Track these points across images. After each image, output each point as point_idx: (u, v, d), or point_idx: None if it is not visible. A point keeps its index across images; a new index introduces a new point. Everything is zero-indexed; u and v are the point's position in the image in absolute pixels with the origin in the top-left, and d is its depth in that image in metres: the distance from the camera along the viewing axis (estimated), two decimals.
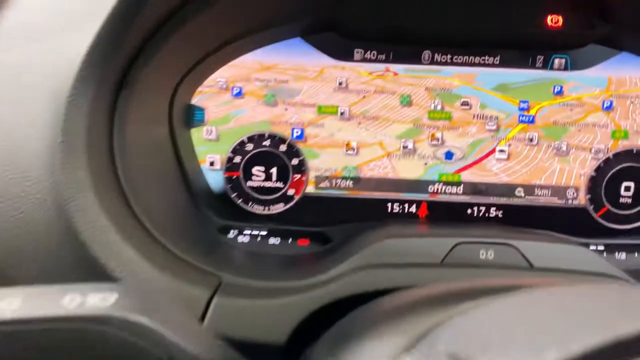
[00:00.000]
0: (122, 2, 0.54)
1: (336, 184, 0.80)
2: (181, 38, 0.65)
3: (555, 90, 0.77)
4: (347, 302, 0.58)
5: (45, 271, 0.55)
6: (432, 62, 0.76)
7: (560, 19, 0.71)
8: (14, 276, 0.57)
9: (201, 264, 0.62)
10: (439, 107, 0.78)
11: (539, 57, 0.76)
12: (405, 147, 0.79)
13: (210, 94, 0.78)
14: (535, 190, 0.80)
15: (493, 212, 0.80)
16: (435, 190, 0.80)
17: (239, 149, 0.79)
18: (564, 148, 0.78)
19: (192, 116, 0.78)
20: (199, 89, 0.77)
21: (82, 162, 0.56)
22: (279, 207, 0.81)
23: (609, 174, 0.79)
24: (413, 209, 0.81)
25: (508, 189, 0.80)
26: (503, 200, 0.80)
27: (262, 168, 0.80)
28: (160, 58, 0.64)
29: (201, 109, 0.78)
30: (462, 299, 0.43)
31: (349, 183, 0.80)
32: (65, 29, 0.64)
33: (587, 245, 0.78)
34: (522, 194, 0.80)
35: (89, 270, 0.55)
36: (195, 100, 0.77)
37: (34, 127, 0.57)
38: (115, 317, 0.40)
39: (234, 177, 0.80)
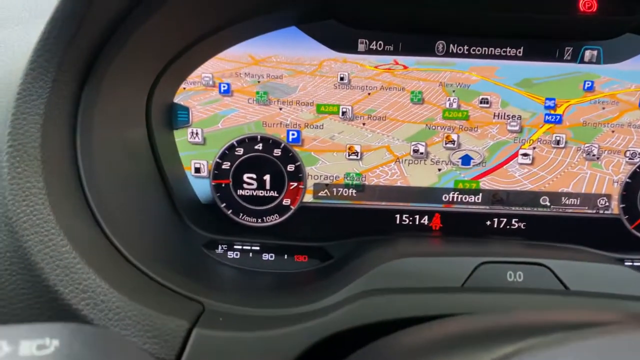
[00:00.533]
0: None
1: (337, 192, 0.71)
2: (158, 24, 0.56)
3: (586, 86, 0.68)
4: (352, 334, 0.49)
5: None
6: (447, 53, 0.67)
7: (595, 3, 0.62)
8: None
9: (181, 288, 0.53)
10: (454, 105, 0.69)
11: (567, 48, 0.67)
12: (416, 151, 0.70)
13: (195, 92, 0.68)
14: (563, 199, 0.71)
15: (515, 223, 0.71)
16: (450, 200, 0.71)
17: (228, 153, 0.70)
18: (595, 151, 0.69)
19: (175, 117, 0.69)
20: (182, 85, 0.68)
21: (34, 170, 0.47)
22: (273, 219, 0.72)
23: None
24: (425, 220, 0.71)
25: (532, 198, 0.71)
26: (526, 211, 0.71)
27: (254, 175, 0.71)
28: (133, 47, 0.54)
29: (185, 109, 0.69)
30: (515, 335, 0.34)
31: (352, 192, 0.71)
32: (17, 20, 0.55)
33: (621, 260, 0.70)
34: (548, 203, 0.71)
35: (42, 301, 0.46)
36: (178, 99, 0.68)
37: None
38: None
39: (223, 185, 0.71)
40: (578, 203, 0.71)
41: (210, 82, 0.68)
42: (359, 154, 0.70)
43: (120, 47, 0.54)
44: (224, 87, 0.69)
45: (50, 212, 0.47)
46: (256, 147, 0.70)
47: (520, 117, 0.69)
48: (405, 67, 0.68)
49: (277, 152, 0.70)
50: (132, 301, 0.47)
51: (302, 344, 0.48)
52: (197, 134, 0.69)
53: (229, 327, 0.49)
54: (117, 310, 0.46)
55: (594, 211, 0.71)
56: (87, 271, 0.46)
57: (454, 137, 0.69)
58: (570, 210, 0.71)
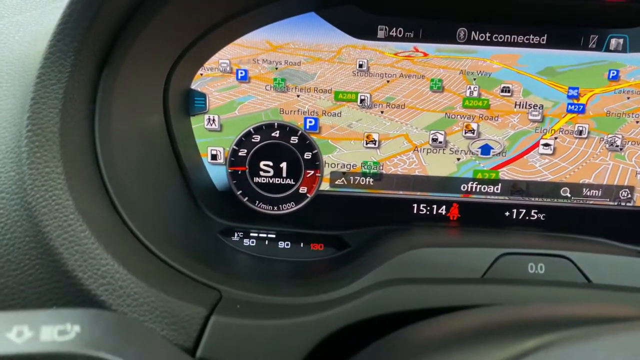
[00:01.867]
0: None
1: (354, 181, 0.71)
2: (176, 9, 0.55)
3: (611, 75, 0.66)
4: (370, 325, 0.49)
5: (9, 288, 0.46)
6: (468, 40, 0.66)
7: None
8: None
9: (198, 275, 0.53)
10: (475, 94, 0.67)
11: (592, 36, 0.65)
12: (435, 140, 0.69)
13: (212, 78, 0.68)
14: (584, 190, 0.70)
15: (534, 214, 0.70)
16: (468, 190, 0.70)
17: (244, 140, 0.69)
18: (619, 142, 0.68)
19: (192, 103, 0.68)
20: (199, 71, 0.67)
21: (53, 155, 0.47)
22: (290, 207, 0.71)
23: None
24: (442, 210, 0.71)
25: (552, 189, 0.70)
26: (546, 202, 0.70)
27: (271, 162, 0.70)
28: (151, 32, 0.54)
29: (202, 95, 0.68)
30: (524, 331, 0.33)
31: (369, 180, 0.70)
32: (34, 4, 0.55)
33: None
34: (569, 195, 0.70)
35: (61, 286, 0.46)
36: (195, 85, 0.68)
37: None
38: (77, 355, 0.31)
39: (239, 172, 0.70)
40: (599, 195, 0.70)
41: (228, 69, 0.68)
42: (377, 142, 0.69)
43: (138, 32, 0.54)
44: (241, 73, 0.68)
45: (69, 197, 0.47)
46: (273, 134, 0.70)
47: (542, 106, 0.67)
48: (425, 55, 0.67)
49: (294, 139, 0.70)
50: (150, 287, 0.47)
51: (319, 333, 0.48)
52: (214, 120, 0.69)
53: (246, 315, 0.49)
54: (136, 297, 0.46)
55: (616, 203, 0.70)
56: (105, 257, 0.46)
57: (474, 126, 0.68)
58: (591, 202, 0.70)
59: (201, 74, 0.68)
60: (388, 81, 0.68)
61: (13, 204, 0.46)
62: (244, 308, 0.50)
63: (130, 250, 0.50)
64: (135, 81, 0.56)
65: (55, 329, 0.32)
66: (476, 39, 0.66)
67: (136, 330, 0.34)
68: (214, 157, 0.70)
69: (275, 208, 0.72)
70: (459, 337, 0.36)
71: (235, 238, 0.70)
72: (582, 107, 0.67)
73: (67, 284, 0.46)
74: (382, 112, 0.69)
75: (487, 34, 0.66)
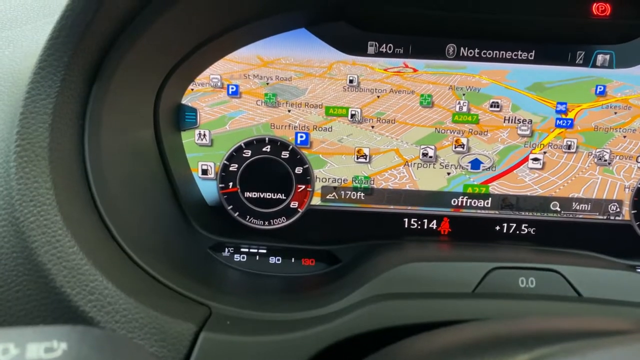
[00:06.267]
0: None
1: (345, 195, 0.71)
2: (167, 25, 0.55)
3: (598, 90, 0.67)
4: (361, 341, 0.48)
5: None
6: (457, 56, 0.67)
7: (608, 7, 0.62)
8: None
9: (188, 291, 0.52)
10: (464, 109, 0.68)
11: (579, 52, 0.66)
12: (425, 155, 0.69)
13: (203, 93, 0.68)
14: (573, 204, 0.70)
15: (525, 229, 0.71)
16: (459, 204, 0.70)
17: (235, 155, 0.69)
18: (607, 157, 0.68)
19: (182, 118, 0.68)
20: (190, 86, 0.68)
21: (42, 170, 0.46)
22: (281, 222, 0.71)
23: None
24: (433, 225, 0.71)
25: (542, 203, 0.70)
26: (536, 216, 0.70)
27: (262, 177, 0.70)
28: (142, 47, 0.54)
29: (192, 110, 0.68)
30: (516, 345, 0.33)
31: (360, 195, 0.71)
32: (25, 19, 0.55)
33: (633, 267, 0.68)
34: (558, 209, 0.70)
35: (49, 302, 0.45)
36: (185, 100, 0.68)
37: None
38: None
39: (230, 187, 0.70)
40: (589, 209, 0.70)
41: (219, 84, 0.68)
42: (368, 157, 0.69)
43: (129, 47, 0.54)
44: (232, 88, 0.68)
45: (58, 213, 0.46)
46: (264, 149, 0.70)
47: (531, 121, 0.68)
48: (415, 70, 0.67)
49: (285, 154, 0.70)
50: (139, 304, 0.46)
51: (310, 349, 0.47)
52: (204, 135, 0.69)
53: (236, 331, 0.48)
54: (124, 313, 0.46)
55: (605, 217, 0.70)
56: (94, 273, 0.46)
57: (464, 140, 0.69)
58: (580, 216, 0.70)
59: (192, 89, 0.68)
60: (378, 96, 0.68)
61: (0, 219, 0.45)
62: (234, 324, 0.50)
63: (119, 266, 0.50)
64: (125, 96, 0.56)
65: (42, 346, 0.31)
66: (465, 54, 0.67)
67: (124, 348, 0.34)
68: (204, 172, 0.70)
69: (266, 223, 0.72)
70: (450, 351, 0.36)
71: (226, 253, 0.69)
72: (570, 121, 0.68)
73: (55, 300, 0.45)
74: (372, 126, 0.69)
75: (476, 50, 0.67)
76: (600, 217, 0.70)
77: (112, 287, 0.46)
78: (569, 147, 0.69)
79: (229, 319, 0.50)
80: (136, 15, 0.52)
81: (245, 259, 0.69)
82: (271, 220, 0.72)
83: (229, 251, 0.69)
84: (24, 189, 0.46)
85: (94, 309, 0.45)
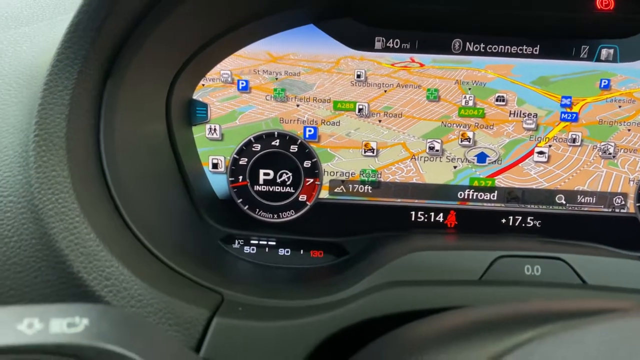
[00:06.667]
0: None
1: (353, 189, 0.72)
2: (179, 20, 0.57)
3: (602, 84, 0.68)
4: (370, 325, 0.49)
5: (15, 289, 0.47)
6: (463, 51, 0.68)
7: (612, 1, 0.63)
8: None
9: (200, 279, 0.54)
10: (470, 103, 0.69)
11: (584, 47, 0.67)
12: (431, 149, 0.70)
13: (214, 88, 0.69)
14: (578, 197, 0.71)
15: (530, 221, 0.72)
16: (465, 197, 0.71)
17: (245, 149, 0.71)
18: (611, 150, 0.69)
19: (193, 113, 0.70)
20: (201, 82, 0.69)
21: (60, 160, 0.48)
22: (290, 215, 0.73)
23: None
24: (440, 217, 0.72)
25: (548, 196, 0.71)
26: (542, 209, 0.71)
27: (271, 171, 0.71)
28: (154, 43, 0.56)
29: (203, 105, 0.70)
30: (520, 324, 0.34)
31: (368, 188, 0.72)
32: (41, 16, 0.57)
33: (638, 259, 0.69)
34: (564, 202, 0.71)
35: (66, 287, 0.46)
36: (196, 95, 0.69)
37: (4, 118, 0.49)
38: (86, 347, 0.32)
39: (240, 181, 0.72)
40: (594, 201, 0.71)
41: (229, 79, 0.69)
42: (375, 150, 0.71)
43: (142, 43, 0.55)
44: (242, 84, 0.70)
45: (75, 201, 0.47)
46: (273, 143, 0.71)
47: (536, 115, 0.69)
48: (421, 65, 0.69)
49: (294, 148, 0.71)
50: (154, 289, 0.48)
51: (320, 334, 0.48)
52: (215, 130, 0.70)
53: (248, 317, 0.49)
54: (139, 298, 0.47)
55: (610, 210, 0.71)
56: (110, 259, 0.47)
57: (470, 134, 0.70)
58: (586, 209, 0.71)
59: (203, 85, 0.69)
60: (385, 91, 0.70)
61: (20, 207, 0.47)
62: (246, 310, 0.51)
63: (134, 253, 0.51)
64: (138, 90, 0.58)
65: (65, 321, 0.32)
66: (471, 49, 0.68)
67: (142, 326, 0.35)
68: (215, 165, 0.71)
69: (275, 216, 0.73)
70: (455, 332, 0.37)
71: (236, 245, 0.71)
72: (575, 115, 0.69)
73: (72, 285, 0.46)
74: (379, 120, 0.70)
75: (482, 45, 0.68)
76: (605, 209, 0.71)
77: (128, 273, 0.47)
78: (574, 140, 0.69)
79: (241, 306, 0.52)
80: (148, 12, 0.54)
81: (255, 251, 0.71)
82: (280, 213, 0.73)
83: (239, 243, 0.71)
84: (43, 177, 0.47)
85: (110, 294, 0.46)
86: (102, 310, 0.34)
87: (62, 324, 0.32)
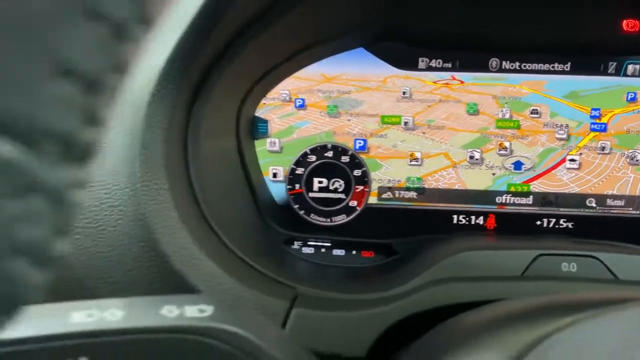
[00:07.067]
0: (202, 11, 0.54)
1: (399, 195, 0.79)
2: (250, 53, 0.65)
3: (629, 97, 0.74)
4: (425, 317, 0.57)
5: (124, 283, 0.55)
6: (500, 69, 0.75)
7: (637, 23, 0.69)
8: (93, 288, 0.57)
9: (275, 275, 0.62)
10: (507, 116, 0.76)
11: (611, 63, 0.74)
12: (472, 157, 0.77)
13: (274, 107, 0.77)
14: (608, 200, 0.77)
15: (563, 223, 0.78)
16: (503, 202, 0.78)
17: (301, 160, 0.79)
18: (638, 157, 0.76)
19: (256, 128, 0.78)
20: (263, 101, 0.77)
21: (160, 174, 0.56)
22: (341, 219, 0.80)
23: None
24: (480, 220, 0.79)
25: (579, 200, 0.77)
26: (574, 211, 0.78)
27: (324, 179, 0.79)
28: (233, 70, 0.64)
29: (264, 121, 0.78)
30: (563, 311, 0.41)
31: (413, 194, 0.79)
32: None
33: None
34: (594, 205, 0.77)
35: (169, 284, 0.55)
36: (259, 113, 0.77)
37: (114, 142, 0.57)
38: (215, 328, 0.40)
39: (297, 188, 0.79)
40: (623, 204, 0.77)
41: (287, 98, 0.77)
42: (420, 160, 0.78)
43: (221, 73, 0.63)
44: (299, 102, 0.77)
45: (174, 210, 0.56)
46: (326, 154, 0.79)
47: (568, 126, 0.76)
48: (461, 82, 0.76)
49: (345, 158, 0.79)
50: (242, 285, 0.56)
51: (384, 323, 0.56)
52: (275, 143, 0.78)
53: (321, 308, 0.57)
54: (231, 292, 0.55)
55: (638, 212, 0.77)
56: (206, 259, 0.55)
57: (507, 144, 0.77)
58: (615, 211, 0.77)
59: (264, 103, 0.77)
60: (429, 106, 0.77)
61: (130, 215, 0.55)
62: (317, 302, 0.59)
63: (223, 255, 0.59)
64: (217, 113, 0.66)
65: (196, 308, 0.40)
66: (507, 67, 0.75)
67: (252, 313, 0.43)
68: (274, 175, 0.79)
69: (329, 220, 0.80)
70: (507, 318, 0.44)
71: (295, 247, 0.78)
72: (604, 126, 0.75)
73: (174, 282, 0.55)
74: (423, 133, 0.77)
75: (517, 63, 0.75)
76: (634, 211, 0.77)
77: (220, 271, 0.56)
78: (603, 148, 0.76)
79: (312, 299, 0.59)
80: (229, 47, 0.62)
81: (312, 252, 0.78)
82: (332, 217, 0.80)
83: (298, 244, 0.78)
84: (147, 190, 0.55)
85: (207, 289, 0.55)
86: (220, 299, 0.42)
87: (194, 310, 0.40)
